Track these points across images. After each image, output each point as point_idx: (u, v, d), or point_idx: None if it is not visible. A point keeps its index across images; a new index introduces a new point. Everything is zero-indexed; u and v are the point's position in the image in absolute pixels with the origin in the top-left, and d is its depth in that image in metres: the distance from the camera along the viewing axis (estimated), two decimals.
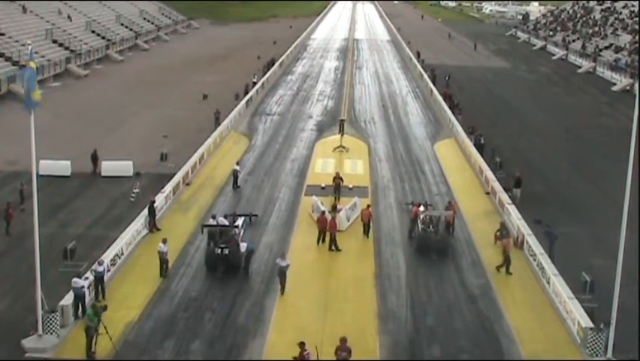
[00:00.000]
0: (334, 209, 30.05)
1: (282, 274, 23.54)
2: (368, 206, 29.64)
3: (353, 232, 29.12)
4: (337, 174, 34.02)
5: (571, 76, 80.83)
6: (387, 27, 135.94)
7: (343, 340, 18.72)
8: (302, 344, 18.25)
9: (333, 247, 27.42)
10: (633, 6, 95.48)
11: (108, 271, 23.82)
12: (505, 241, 26.18)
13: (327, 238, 27.63)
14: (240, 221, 28.44)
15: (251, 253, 25.33)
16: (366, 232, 28.78)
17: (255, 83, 62.84)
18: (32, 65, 19.27)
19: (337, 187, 32.89)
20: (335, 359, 18.65)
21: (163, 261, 24.79)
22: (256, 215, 30.66)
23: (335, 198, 32.33)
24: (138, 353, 19.95)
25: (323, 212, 28.92)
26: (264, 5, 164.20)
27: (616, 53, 79.66)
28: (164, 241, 25.08)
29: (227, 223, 27.41)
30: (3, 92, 55.25)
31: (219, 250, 25.04)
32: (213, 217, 28.35)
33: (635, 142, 19.38)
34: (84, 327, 19.64)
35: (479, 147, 41.02)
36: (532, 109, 59.38)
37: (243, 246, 25.07)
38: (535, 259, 25.68)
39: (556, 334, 21.54)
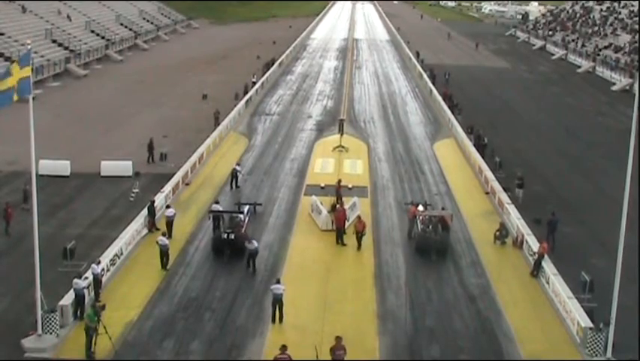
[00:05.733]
0: (334, 208, 30.02)
1: (278, 301, 21.63)
2: (359, 217, 28.88)
3: (352, 232, 29.06)
4: (339, 181, 33.00)
5: (570, 76, 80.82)
6: (387, 27, 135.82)
7: (339, 339, 18.78)
8: (284, 348, 18.33)
9: (339, 241, 27.81)
10: (633, 6, 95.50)
11: (107, 270, 23.83)
12: (544, 244, 25.42)
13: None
14: (244, 209, 29.38)
15: (255, 253, 25.53)
16: (359, 242, 27.59)
17: (254, 83, 62.79)
18: (27, 71, 18.56)
19: (339, 196, 31.83)
20: (331, 358, 18.67)
21: (163, 254, 25.16)
22: (260, 204, 31.46)
23: (337, 199, 32.08)
24: (138, 353, 19.95)
25: (336, 206, 29.42)
26: (264, 5, 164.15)
27: (615, 52, 79.65)
28: (164, 234, 25.83)
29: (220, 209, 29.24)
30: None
31: (225, 235, 26.30)
32: (217, 202, 30.29)
33: (634, 142, 19.36)
34: (84, 327, 19.64)
35: (481, 147, 40.98)
36: (532, 109, 59.39)
37: (254, 244, 25.49)
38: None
39: (556, 334, 21.54)
